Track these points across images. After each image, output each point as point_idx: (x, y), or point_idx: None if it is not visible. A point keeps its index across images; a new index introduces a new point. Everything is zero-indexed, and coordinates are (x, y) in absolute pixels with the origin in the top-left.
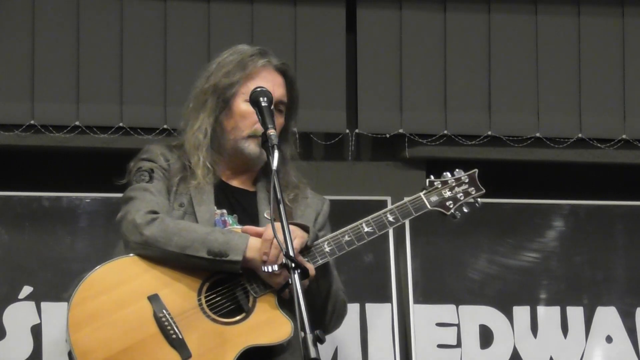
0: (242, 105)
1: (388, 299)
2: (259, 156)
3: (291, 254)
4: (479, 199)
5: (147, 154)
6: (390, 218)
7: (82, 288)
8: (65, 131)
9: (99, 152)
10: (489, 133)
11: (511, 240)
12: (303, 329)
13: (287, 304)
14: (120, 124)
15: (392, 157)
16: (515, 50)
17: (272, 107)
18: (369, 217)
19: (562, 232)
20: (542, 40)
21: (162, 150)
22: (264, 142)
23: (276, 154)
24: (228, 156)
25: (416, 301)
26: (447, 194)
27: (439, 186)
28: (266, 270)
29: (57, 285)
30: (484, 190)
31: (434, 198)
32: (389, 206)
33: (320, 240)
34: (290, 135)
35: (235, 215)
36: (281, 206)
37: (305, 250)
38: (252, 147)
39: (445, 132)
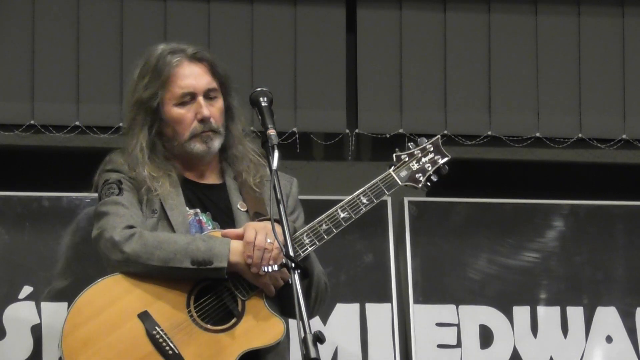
0: (173, 110)
1: (388, 299)
2: (208, 151)
3: (291, 253)
4: (446, 166)
5: (110, 165)
6: (364, 200)
7: (71, 315)
8: (65, 131)
9: (98, 152)
10: (489, 133)
11: (511, 240)
12: (303, 329)
13: (274, 302)
14: (120, 124)
15: (392, 157)
16: (515, 50)
17: (202, 96)
18: (343, 202)
19: (562, 232)
20: (542, 40)
21: (126, 159)
22: (264, 142)
23: (276, 154)
24: (181, 159)
25: (416, 301)
26: (415, 166)
27: (406, 159)
28: (265, 270)
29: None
30: (450, 157)
31: (403, 173)
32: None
33: (298, 233)
34: (236, 110)
35: (208, 212)
36: (281, 206)
37: None
38: (198, 146)
39: (445, 132)
